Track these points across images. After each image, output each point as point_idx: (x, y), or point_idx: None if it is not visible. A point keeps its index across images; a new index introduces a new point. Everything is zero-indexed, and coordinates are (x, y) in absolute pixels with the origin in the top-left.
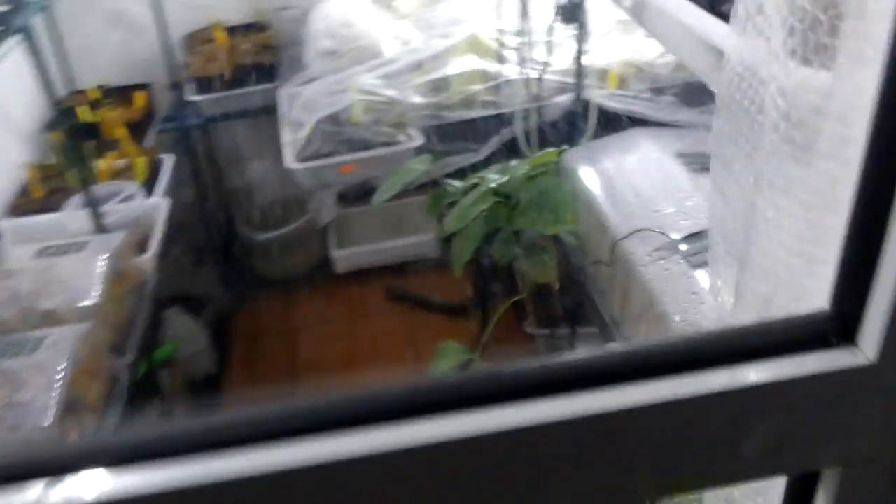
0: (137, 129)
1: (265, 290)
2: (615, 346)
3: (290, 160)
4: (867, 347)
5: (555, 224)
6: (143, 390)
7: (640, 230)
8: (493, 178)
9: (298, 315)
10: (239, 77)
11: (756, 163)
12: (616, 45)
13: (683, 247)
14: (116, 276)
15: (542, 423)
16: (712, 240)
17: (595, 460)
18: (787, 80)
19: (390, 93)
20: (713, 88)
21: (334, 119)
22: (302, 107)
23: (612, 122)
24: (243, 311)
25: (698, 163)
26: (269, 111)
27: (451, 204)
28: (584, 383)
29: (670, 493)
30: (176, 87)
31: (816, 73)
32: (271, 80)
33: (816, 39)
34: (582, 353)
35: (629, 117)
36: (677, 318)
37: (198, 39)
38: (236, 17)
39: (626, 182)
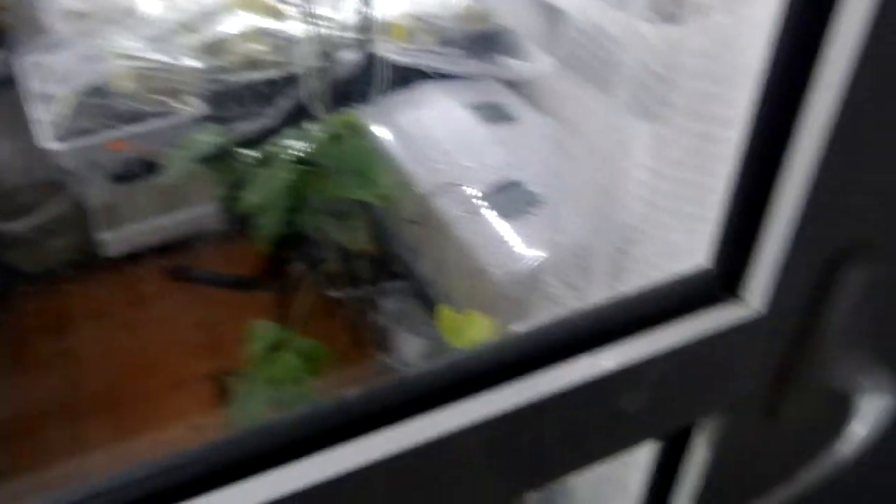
0: None
1: (25, 286)
2: (512, 337)
3: (47, 140)
4: (753, 300)
5: (367, 189)
6: None
7: (447, 186)
8: (293, 144)
9: (69, 309)
10: None
11: (610, 122)
12: None
13: (492, 199)
14: None
15: (454, 430)
16: (551, 197)
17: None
18: (646, 38)
19: (159, 57)
20: (533, 41)
21: (97, 90)
22: (52, 78)
23: (403, 78)
24: (2, 312)
25: (491, 113)
26: (3, 84)
27: (249, 176)
28: (481, 383)
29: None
30: None
31: (678, 29)
32: (2, 45)
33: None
34: (473, 352)
35: (420, 71)
36: (496, 270)
37: None
38: None
39: (426, 138)
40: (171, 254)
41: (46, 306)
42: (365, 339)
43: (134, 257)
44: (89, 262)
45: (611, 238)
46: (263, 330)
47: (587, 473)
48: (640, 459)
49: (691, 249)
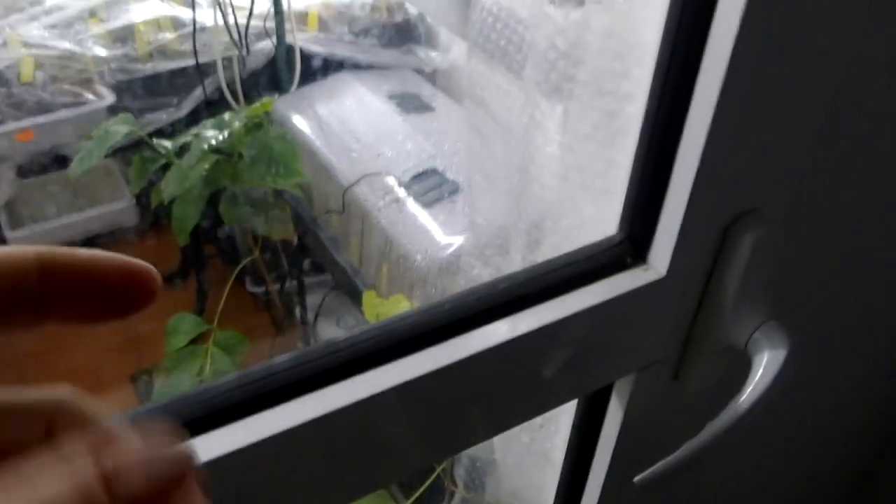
0: None
1: None
2: (437, 304)
3: None
4: (658, 264)
5: (286, 177)
6: None
7: (367, 175)
8: (210, 134)
9: None
10: None
11: (522, 102)
12: None
13: (412, 187)
14: None
15: (379, 391)
16: (471, 179)
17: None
18: (553, 19)
19: (65, 45)
20: (445, 25)
21: None
22: None
23: (319, 67)
24: None
25: (408, 103)
26: None
27: (164, 167)
28: (400, 350)
29: (490, 434)
30: None
31: (582, 10)
32: None
33: None
34: (403, 317)
35: (335, 61)
36: (419, 257)
37: None
38: None
39: (344, 128)
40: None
41: None
42: (288, 332)
43: None
44: None
45: (526, 216)
46: (183, 323)
47: (512, 446)
48: (563, 431)
49: (603, 220)
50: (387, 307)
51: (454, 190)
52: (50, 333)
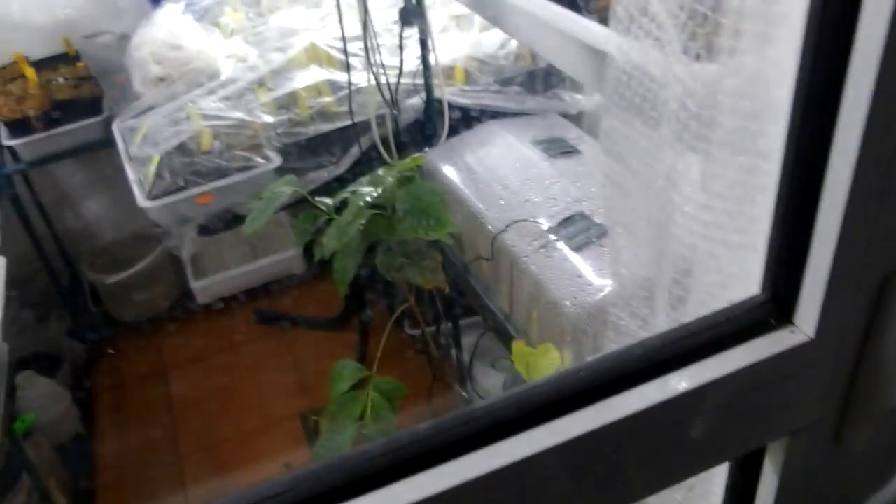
0: None
1: (124, 334)
2: (586, 365)
3: (140, 199)
4: (805, 325)
5: (437, 228)
6: (10, 470)
7: (516, 222)
8: (366, 191)
9: (164, 355)
10: (59, 114)
11: (659, 158)
12: (456, 42)
13: (560, 232)
14: None
15: (536, 451)
16: (612, 231)
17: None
18: (686, 78)
19: (237, 115)
20: (582, 81)
21: (182, 150)
22: (144, 141)
23: (466, 118)
24: (103, 361)
25: (554, 147)
26: (98, 145)
27: (325, 222)
28: (557, 409)
29: (645, 494)
30: None
31: (712, 70)
32: (96, 112)
33: (708, 37)
34: (549, 380)
35: (482, 111)
36: (568, 303)
37: (1, 78)
38: (40, 49)
39: (492, 175)
40: (257, 298)
41: (144, 353)
42: (444, 374)
43: (223, 303)
44: (182, 310)
45: (669, 272)
46: (345, 369)
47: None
48: (717, 492)
49: (744, 278)
50: (535, 356)
51: (602, 233)
52: (224, 374)
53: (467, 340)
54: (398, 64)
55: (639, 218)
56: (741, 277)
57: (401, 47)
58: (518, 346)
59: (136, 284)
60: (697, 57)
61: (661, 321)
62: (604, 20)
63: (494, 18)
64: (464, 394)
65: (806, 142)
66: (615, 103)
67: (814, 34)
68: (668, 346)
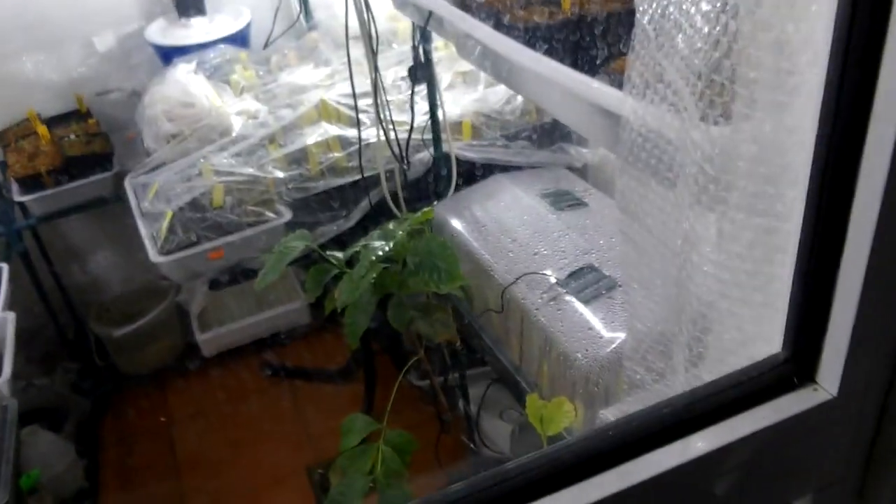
0: None
1: (129, 388)
2: (604, 428)
3: (153, 254)
4: (828, 384)
5: (448, 282)
6: None
7: (525, 274)
8: (377, 245)
9: (169, 408)
10: (70, 170)
11: (675, 218)
12: (463, 98)
13: (570, 285)
14: None
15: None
16: (628, 286)
17: None
18: (703, 143)
19: (249, 170)
20: (591, 139)
21: (195, 205)
22: (156, 197)
23: (473, 172)
24: (108, 414)
25: (561, 200)
26: (108, 200)
27: (336, 276)
28: (580, 472)
29: None
30: None
31: (729, 135)
32: (106, 168)
33: (725, 105)
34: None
35: (489, 164)
36: (579, 355)
37: (12, 135)
38: (52, 106)
39: (501, 228)
40: (263, 350)
41: (150, 407)
42: (452, 425)
43: (228, 356)
44: (188, 363)
45: (688, 330)
46: (355, 423)
47: None
48: None
49: (764, 336)
50: (550, 410)
51: (612, 286)
52: (230, 427)
53: (474, 391)
54: (406, 119)
55: (655, 275)
56: (761, 336)
57: (412, 105)
58: (532, 399)
59: (142, 338)
60: (715, 123)
61: (680, 377)
62: (616, 82)
63: (504, 78)
64: (471, 445)
65: (826, 204)
66: (630, 163)
67: (832, 104)
68: (692, 406)
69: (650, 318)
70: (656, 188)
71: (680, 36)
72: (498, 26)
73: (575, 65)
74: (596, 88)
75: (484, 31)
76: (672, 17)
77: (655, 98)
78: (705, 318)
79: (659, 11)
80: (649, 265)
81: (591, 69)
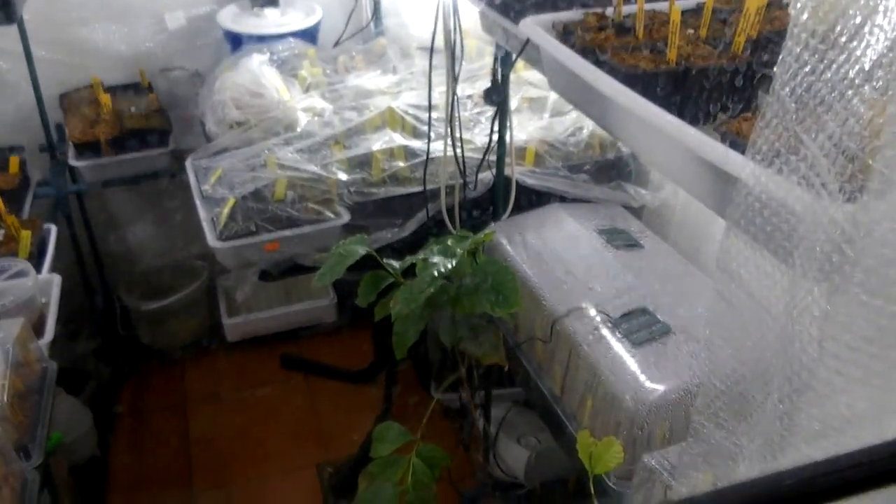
0: (13, 197)
1: (150, 362)
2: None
3: (211, 239)
4: None
5: (505, 306)
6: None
7: (578, 308)
8: (437, 260)
9: (187, 387)
10: (127, 141)
11: (784, 287)
12: (528, 124)
13: (622, 326)
14: (18, 368)
15: None
16: (711, 343)
17: None
18: (839, 218)
19: (313, 168)
20: (692, 194)
21: (257, 196)
22: (219, 182)
23: (530, 198)
24: (126, 385)
25: (618, 238)
26: (160, 176)
27: (390, 284)
28: None
29: None
30: (51, 150)
31: (862, 212)
32: (163, 144)
33: (864, 182)
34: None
35: (547, 193)
36: (628, 397)
37: (75, 100)
38: (115, 76)
39: (555, 258)
40: (285, 342)
41: (168, 383)
42: (472, 443)
43: (251, 343)
44: (210, 345)
45: (784, 393)
46: (389, 431)
47: None
48: None
49: (868, 417)
50: (600, 449)
51: (665, 332)
52: (244, 414)
53: (495, 412)
54: (468, 137)
55: (747, 337)
56: (872, 416)
57: (491, 127)
58: (584, 436)
59: (169, 314)
60: (850, 199)
61: (757, 439)
62: (727, 141)
63: (597, 116)
64: (487, 464)
65: None
66: (741, 227)
67: None
68: (817, 479)
69: (732, 378)
70: (766, 255)
71: (829, 115)
72: (603, 67)
73: (679, 115)
74: (711, 146)
75: (588, 70)
76: (821, 95)
77: (785, 169)
78: (813, 391)
79: (804, 86)
80: (743, 327)
81: (693, 121)
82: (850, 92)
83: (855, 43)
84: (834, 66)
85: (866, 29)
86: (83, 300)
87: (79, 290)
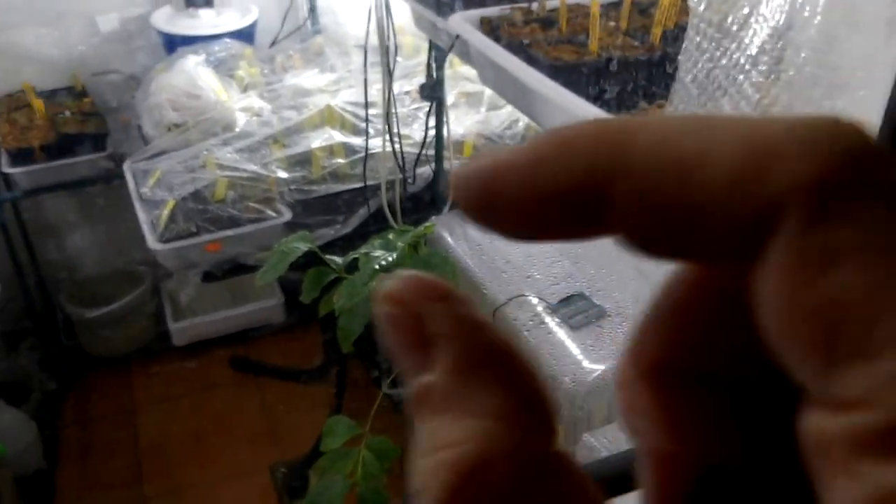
0: None
1: (95, 370)
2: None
3: (151, 241)
4: None
5: None
6: None
7: (517, 296)
8: (378, 254)
9: (134, 394)
10: (63, 147)
11: None
12: (466, 118)
13: (560, 311)
14: None
15: None
16: (620, 310)
17: None
18: None
19: (252, 167)
20: None
21: (197, 197)
22: (158, 184)
23: None
24: (71, 395)
25: None
26: (98, 181)
27: (333, 281)
28: None
29: None
30: None
31: None
32: (100, 149)
33: None
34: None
35: None
36: (567, 380)
37: (7, 106)
38: (47, 81)
39: (495, 248)
40: (233, 344)
41: (115, 391)
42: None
43: (199, 347)
44: (157, 351)
45: None
46: (338, 425)
47: None
48: None
49: None
50: None
51: (601, 315)
52: (194, 418)
53: None
54: (406, 133)
55: None
56: None
57: (427, 122)
58: None
59: (113, 321)
60: None
61: None
62: None
63: (526, 109)
64: None
65: None
66: None
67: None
68: None
69: None
70: None
71: (725, 99)
72: (529, 61)
73: (601, 105)
74: None
75: (514, 64)
76: (718, 80)
77: None
78: None
79: (704, 73)
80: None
81: (614, 110)
82: (741, 77)
83: (744, 31)
84: (728, 52)
85: (752, 18)
86: (22, 311)
87: (19, 300)
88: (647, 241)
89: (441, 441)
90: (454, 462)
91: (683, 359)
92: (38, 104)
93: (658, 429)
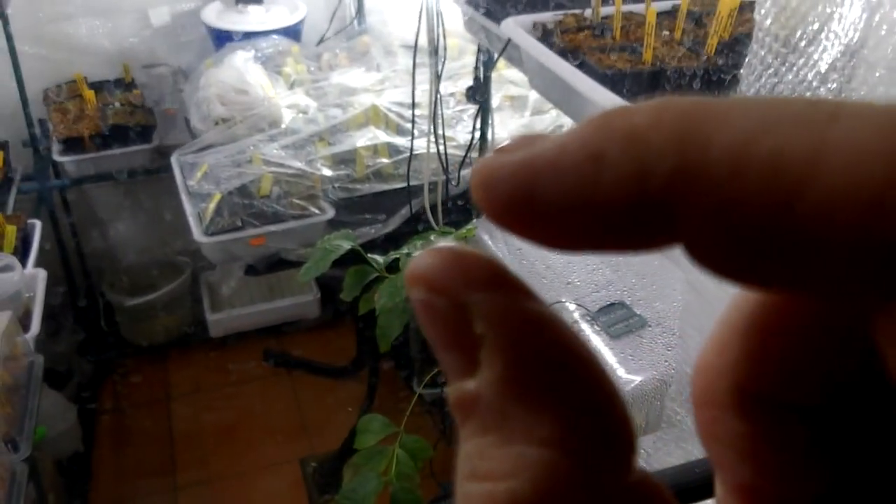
0: None
1: (133, 357)
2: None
3: (197, 234)
4: None
5: None
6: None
7: (557, 302)
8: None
9: (170, 382)
10: (112, 137)
11: None
12: (510, 121)
13: (600, 319)
14: (6, 361)
15: None
16: (684, 333)
17: None
18: None
19: (298, 164)
20: None
21: (242, 191)
22: (204, 177)
23: None
24: (109, 381)
25: None
26: (144, 172)
27: (374, 279)
28: None
29: None
30: (34, 145)
31: None
32: (147, 140)
33: None
34: None
35: None
36: None
37: (59, 94)
38: (99, 72)
39: (535, 253)
40: (269, 337)
41: (151, 378)
42: (450, 436)
43: (235, 339)
44: (193, 341)
45: None
46: (373, 423)
47: None
48: None
49: None
50: None
51: (642, 325)
52: (227, 409)
53: None
54: (451, 134)
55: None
56: None
57: (474, 124)
58: None
59: (153, 310)
60: None
61: None
62: None
63: (575, 114)
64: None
65: None
66: None
67: None
68: None
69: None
70: None
71: None
72: (581, 67)
73: None
74: None
75: (567, 70)
76: (781, 96)
77: None
78: None
79: (767, 88)
80: (714, 315)
81: None
82: (808, 94)
83: (813, 47)
84: (794, 68)
85: (823, 35)
86: (66, 296)
87: (62, 285)
88: (729, 268)
89: (487, 470)
90: (504, 500)
91: (772, 386)
92: (89, 95)
93: (744, 461)
